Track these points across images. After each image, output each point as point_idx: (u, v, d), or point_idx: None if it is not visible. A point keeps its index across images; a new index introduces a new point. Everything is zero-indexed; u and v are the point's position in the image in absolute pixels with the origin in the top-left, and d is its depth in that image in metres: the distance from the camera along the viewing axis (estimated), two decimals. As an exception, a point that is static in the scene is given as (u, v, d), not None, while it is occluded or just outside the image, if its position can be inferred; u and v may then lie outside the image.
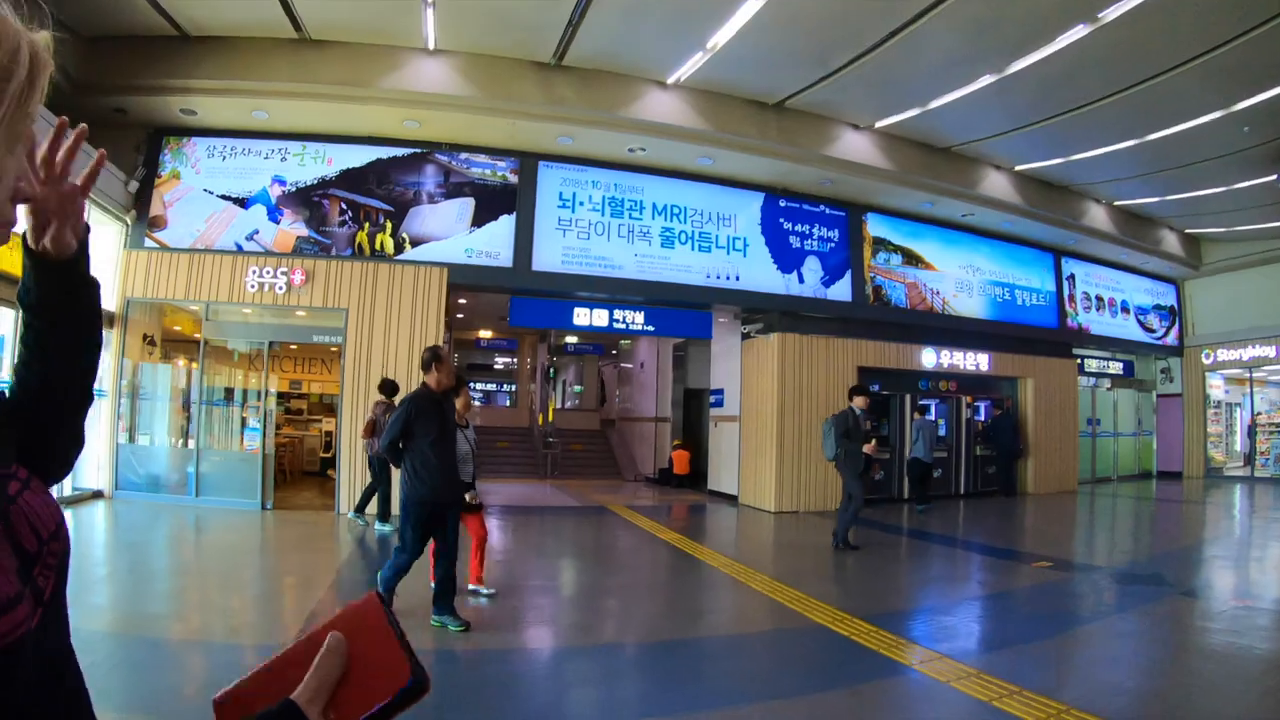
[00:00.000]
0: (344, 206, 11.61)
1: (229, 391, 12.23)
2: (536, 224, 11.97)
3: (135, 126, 11.57)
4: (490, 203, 11.91)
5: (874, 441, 10.42)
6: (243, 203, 11.54)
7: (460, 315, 19.65)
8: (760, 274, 13.22)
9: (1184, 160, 14.07)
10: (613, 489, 17.23)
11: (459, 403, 6.51)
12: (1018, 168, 15.01)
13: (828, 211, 14.03)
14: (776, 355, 13.42)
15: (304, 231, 11.55)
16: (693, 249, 12.75)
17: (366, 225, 11.60)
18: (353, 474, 11.37)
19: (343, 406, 11.46)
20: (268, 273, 11.33)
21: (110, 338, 11.38)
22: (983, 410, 17.42)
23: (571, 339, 23.41)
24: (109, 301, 11.33)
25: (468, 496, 6.65)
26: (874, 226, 14.65)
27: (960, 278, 15.82)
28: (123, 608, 6.37)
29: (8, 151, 0.86)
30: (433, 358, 5.91)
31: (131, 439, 11.68)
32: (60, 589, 0.90)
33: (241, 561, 8.73)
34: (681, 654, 5.73)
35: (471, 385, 8.08)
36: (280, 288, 11.32)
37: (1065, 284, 17.99)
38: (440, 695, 4.88)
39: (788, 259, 13.50)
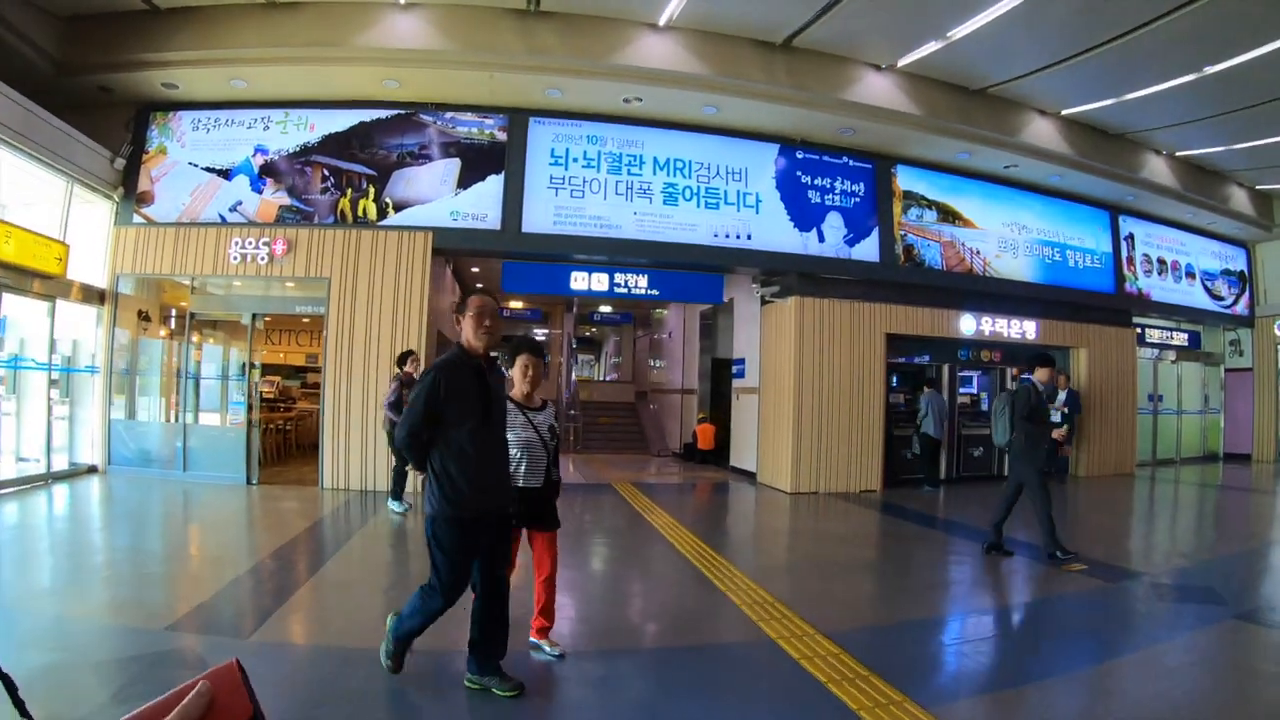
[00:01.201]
0: (326, 173, 10.60)
1: (247, 366, 11.41)
2: (527, 183, 10.68)
3: (123, 104, 10.85)
4: (477, 162, 10.70)
5: (1065, 427, 8.80)
6: (226, 174, 10.67)
7: (480, 285, 18.49)
8: (775, 232, 11.68)
9: (1251, 99, 11.88)
10: (633, 464, 15.78)
11: (521, 374, 4.39)
12: (1064, 112, 13.04)
13: (851, 163, 12.39)
14: (794, 321, 11.84)
15: (286, 200, 10.59)
16: (699, 206, 11.27)
17: (349, 191, 10.56)
18: (336, 449, 10.34)
19: (326, 380, 10.45)
20: (250, 244, 10.42)
21: (101, 314, 10.75)
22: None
23: (605, 308, 21.88)
24: (99, 278, 10.70)
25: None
26: (905, 180, 12.94)
27: (1004, 236, 13.89)
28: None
29: None
30: (460, 304, 3.95)
31: (130, 414, 11.01)
32: None
33: (182, 538, 7.92)
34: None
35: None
36: (262, 258, 10.39)
37: (1123, 245, 15.75)
38: None
39: (806, 216, 11.95)
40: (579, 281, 11.34)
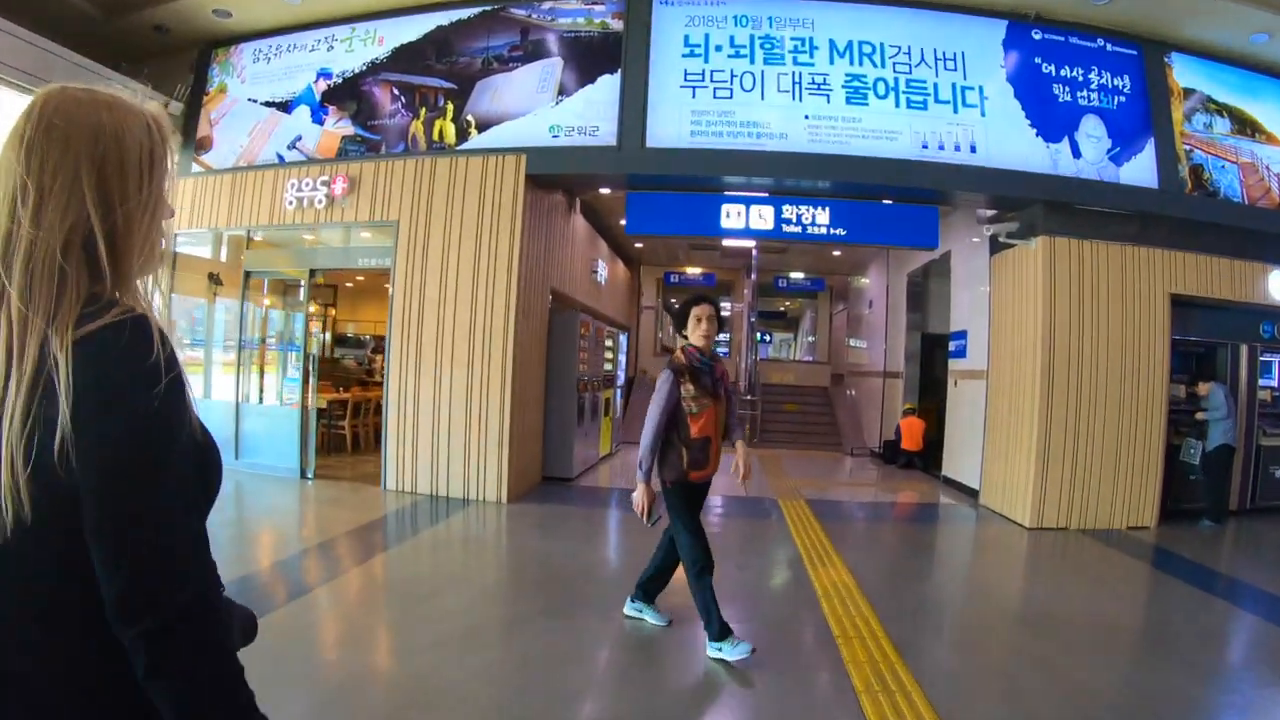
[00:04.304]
0: (396, 91, 7.35)
1: (305, 332, 8.28)
2: (652, 82, 6.86)
3: (184, 46, 8.27)
4: (584, 61, 7.02)
5: None
6: (285, 106, 7.73)
7: (640, 245, 14.28)
8: (1009, 142, 7.12)
9: None
10: (816, 468, 11.08)
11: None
12: None
13: (1110, 48, 7.64)
14: (1042, 272, 7.23)
15: (350, 129, 7.43)
16: (897, 105, 6.97)
17: (422, 111, 7.23)
18: (400, 442, 6.96)
19: (390, 354, 7.11)
20: (307, 185, 7.33)
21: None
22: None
23: (795, 273, 16.91)
24: None
25: None
26: (1184, 74, 7.98)
27: (1322, 158, 8.62)
28: None
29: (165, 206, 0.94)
30: None
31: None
32: None
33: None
34: None
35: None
36: (320, 201, 7.26)
37: None
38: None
39: (1053, 120, 7.35)
40: (732, 217, 7.27)
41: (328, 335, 12.14)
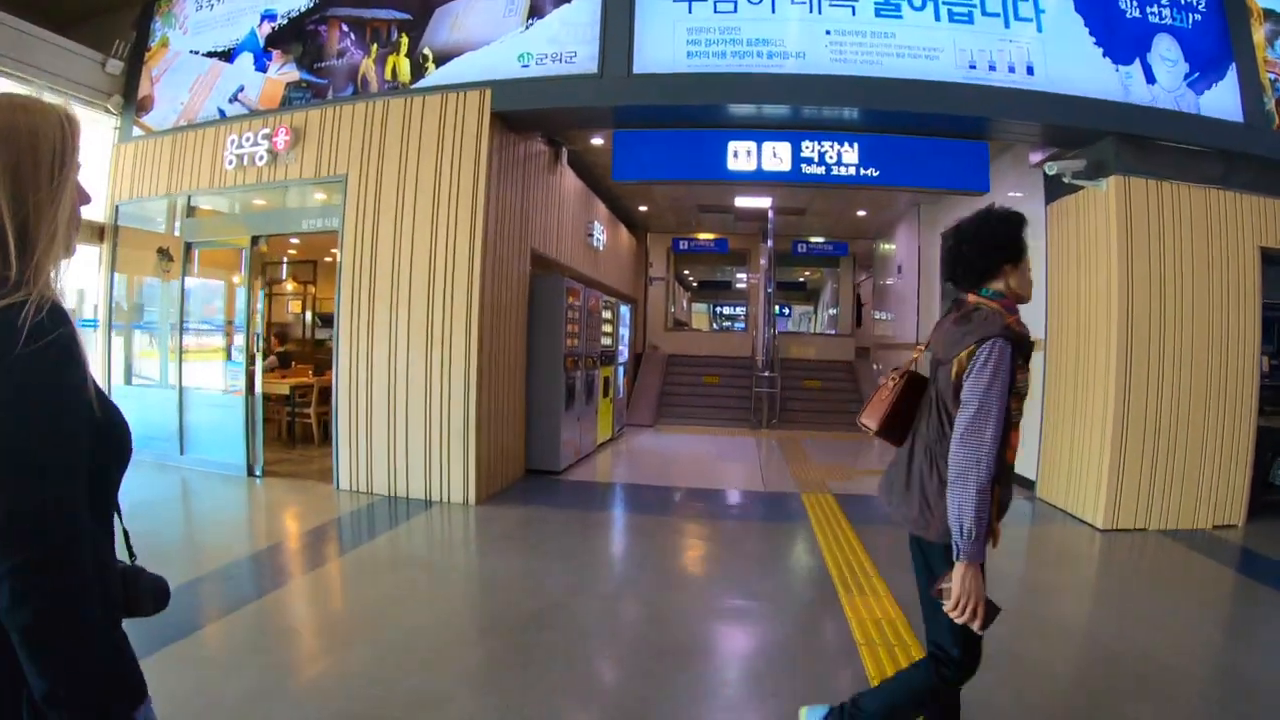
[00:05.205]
0: (345, 28, 6.14)
1: (249, 308, 7.10)
2: (639, -3, 5.67)
3: (127, 2, 7.18)
4: (561, -23, 5.83)
5: None
6: (228, 56, 6.56)
7: (644, 208, 12.54)
8: (1073, 63, 5.67)
9: None
10: (843, 451, 9.29)
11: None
12: None
13: (1185, -42, 6.31)
14: (1115, 220, 5.73)
15: (295, 75, 6.24)
16: (937, 17, 5.54)
17: (374, 48, 6.01)
18: (354, 435, 5.70)
19: (339, 328, 5.88)
20: (247, 140, 6.13)
21: (101, 254, 7.03)
22: None
23: (815, 237, 14.66)
24: (99, 212, 7.02)
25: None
26: None
27: None
28: None
29: (72, 196, 0.96)
30: None
31: (128, 380, 7.20)
32: None
33: None
34: None
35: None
36: (261, 158, 6.05)
37: None
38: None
39: (1121, 37, 5.89)
40: (740, 158, 5.85)
41: (309, 315, 10.99)
